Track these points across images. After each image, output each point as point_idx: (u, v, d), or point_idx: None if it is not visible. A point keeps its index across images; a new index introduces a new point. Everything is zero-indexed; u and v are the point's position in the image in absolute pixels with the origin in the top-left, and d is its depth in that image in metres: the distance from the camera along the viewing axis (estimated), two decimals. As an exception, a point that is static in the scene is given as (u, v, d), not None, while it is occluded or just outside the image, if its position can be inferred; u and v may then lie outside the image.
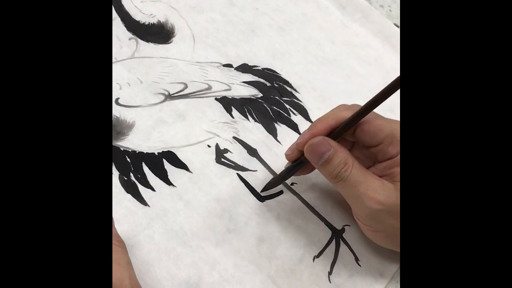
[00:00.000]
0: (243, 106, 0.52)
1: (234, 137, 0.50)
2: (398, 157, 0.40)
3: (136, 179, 0.47)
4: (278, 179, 0.47)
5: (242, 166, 0.49)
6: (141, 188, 0.46)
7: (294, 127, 0.52)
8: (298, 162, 0.44)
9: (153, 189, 0.47)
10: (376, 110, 0.54)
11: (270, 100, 0.53)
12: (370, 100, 0.38)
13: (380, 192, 0.39)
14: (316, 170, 0.44)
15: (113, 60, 0.52)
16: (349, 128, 0.40)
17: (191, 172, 0.48)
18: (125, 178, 0.46)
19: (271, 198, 0.48)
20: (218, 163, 0.49)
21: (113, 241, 0.38)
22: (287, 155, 0.44)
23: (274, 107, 0.52)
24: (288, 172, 0.45)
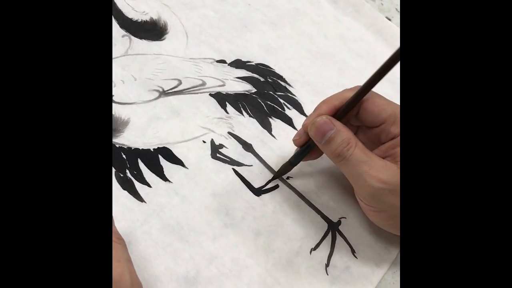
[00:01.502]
0: (237, 101, 0.52)
1: (229, 133, 0.50)
2: None
3: (132, 176, 0.47)
4: (287, 166, 0.47)
5: (238, 161, 0.49)
6: (137, 185, 0.46)
7: (288, 121, 0.52)
8: (306, 146, 0.44)
9: (149, 185, 0.47)
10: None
11: (264, 95, 0.53)
12: (370, 78, 0.39)
13: (383, 171, 0.39)
14: (322, 157, 0.45)
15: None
16: (352, 107, 0.41)
17: (187, 168, 0.48)
18: (121, 175, 0.47)
19: (267, 192, 0.48)
20: (214, 158, 0.49)
21: (113, 239, 0.38)
22: (294, 140, 0.45)
23: (268, 102, 0.53)
24: (297, 157, 0.46)
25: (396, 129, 0.41)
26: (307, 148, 0.44)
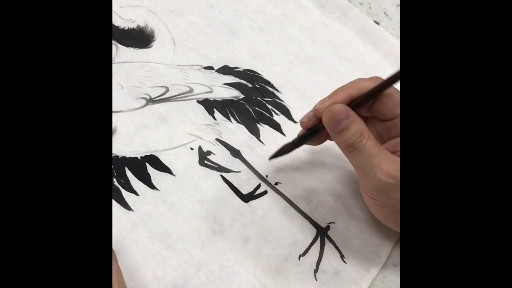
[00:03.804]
0: (225, 107, 0.52)
1: (217, 139, 0.50)
2: None
3: (120, 184, 0.47)
4: (290, 146, 0.46)
5: (226, 168, 0.49)
6: (124, 193, 0.46)
7: (276, 127, 0.52)
8: (314, 130, 0.43)
9: (136, 194, 0.46)
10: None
11: (252, 101, 0.53)
12: (395, 73, 0.38)
13: (393, 166, 0.39)
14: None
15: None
16: (370, 99, 0.41)
17: (175, 175, 0.48)
18: (108, 184, 0.46)
19: (255, 199, 0.48)
20: (202, 165, 0.49)
21: None
22: (302, 122, 0.44)
23: (256, 108, 0.53)
24: (301, 139, 0.45)
25: None
26: (314, 132, 0.43)
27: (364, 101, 0.41)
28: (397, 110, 0.41)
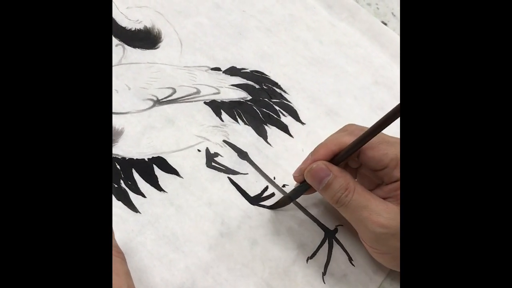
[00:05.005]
0: (232, 109, 0.52)
1: (224, 141, 0.50)
2: None
3: (127, 186, 0.46)
4: (286, 199, 0.46)
5: (233, 170, 0.49)
6: (131, 195, 0.46)
7: (284, 128, 0.52)
8: (306, 184, 0.43)
9: (144, 196, 0.46)
10: (364, 108, 0.54)
11: (259, 102, 0.53)
12: (371, 127, 0.37)
13: (384, 215, 0.39)
14: None
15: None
16: (351, 154, 0.40)
17: (182, 177, 0.48)
18: (115, 186, 0.46)
19: (263, 201, 0.47)
20: (209, 167, 0.49)
21: (113, 252, 0.38)
22: (294, 177, 0.44)
23: (264, 109, 0.52)
24: (296, 192, 0.45)
25: (399, 172, 0.40)
26: (306, 185, 0.43)
27: (344, 157, 0.40)
28: (384, 161, 0.40)
